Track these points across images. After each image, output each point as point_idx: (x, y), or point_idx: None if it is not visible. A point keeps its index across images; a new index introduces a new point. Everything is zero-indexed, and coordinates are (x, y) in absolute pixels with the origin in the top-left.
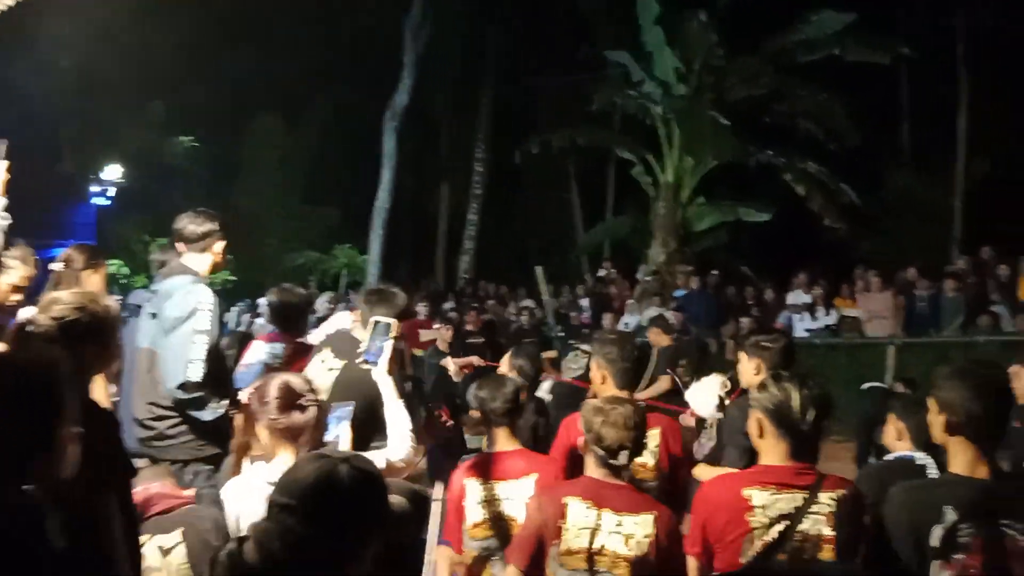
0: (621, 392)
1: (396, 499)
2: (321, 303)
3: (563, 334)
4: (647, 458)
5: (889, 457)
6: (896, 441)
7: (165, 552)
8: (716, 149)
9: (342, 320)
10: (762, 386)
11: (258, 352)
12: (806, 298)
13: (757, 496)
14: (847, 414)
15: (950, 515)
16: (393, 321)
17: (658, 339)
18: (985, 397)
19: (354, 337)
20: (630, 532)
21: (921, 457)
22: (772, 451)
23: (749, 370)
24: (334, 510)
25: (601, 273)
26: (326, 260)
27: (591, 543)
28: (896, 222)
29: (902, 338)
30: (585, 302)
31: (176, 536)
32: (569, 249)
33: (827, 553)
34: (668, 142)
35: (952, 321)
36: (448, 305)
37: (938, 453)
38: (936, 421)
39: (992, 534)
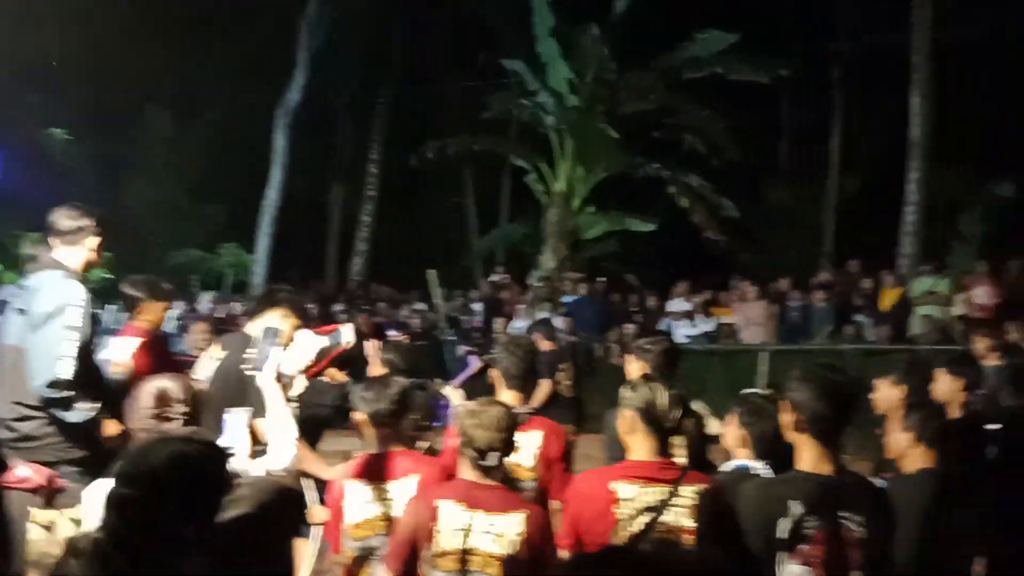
0: (514, 396)
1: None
2: (203, 302)
3: (454, 337)
4: (526, 459)
5: (727, 467)
6: (737, 448)
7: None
8: (606, 160)
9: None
10: (632, 386)
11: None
12: (686, 306)
13: (624, 489)
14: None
15: (796, 509)
16: (285, 327)
17: (539, 344)
18: (829, 398)
19: (246, 334)
20: (501, 531)
21: (758, 467)
22: (640, 447)
23: (634, 371)
24: (186, 484)
25: (494, 278)
26: (211, 259)
27: (464, 544)
28: (773, 235)
29: (774, 345)
30: (478, 306)
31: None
32: (463, 254)
33: (688, 543)
34: (561, 152)
35: (820, 330)
36: (339, 307)
37: (780, 462)
38: (787, 420)
39: (832, 525)
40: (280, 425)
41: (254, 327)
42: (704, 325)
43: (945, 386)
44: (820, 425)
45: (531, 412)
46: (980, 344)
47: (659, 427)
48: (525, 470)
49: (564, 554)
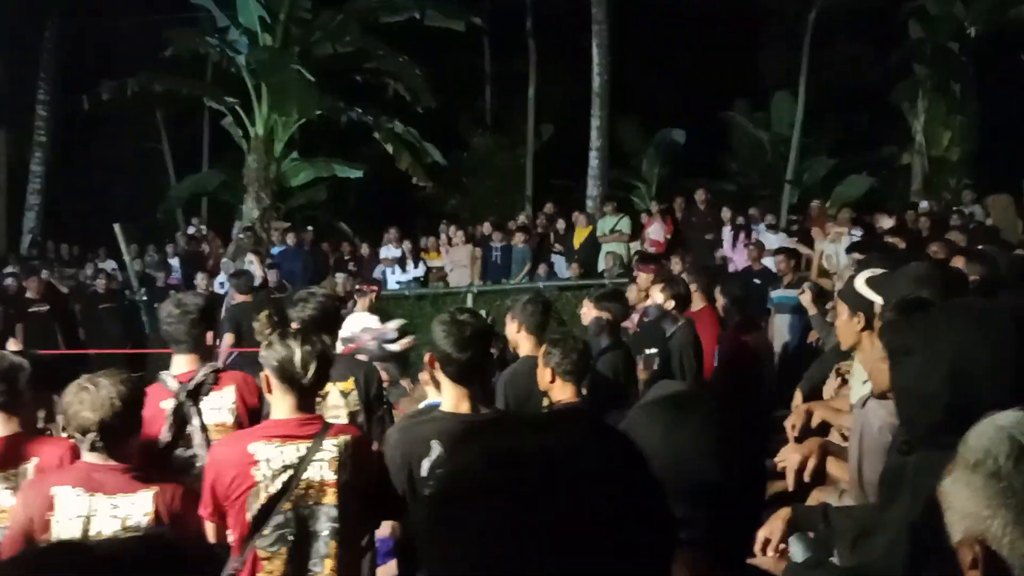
0: (189, 359)
1: None
2: None
3: (147, 298)
4: (225, 417)
5: (421, 406)
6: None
7: None
8: (302, 104)
9: None
10: (269, 344)
11: None
12: (396, 252)
13: (262, 450)
14: None
15: (436, 448)
16: None
17: (233, 297)
18: (458, 341)
19: None
20: (127, 514)
21: None
22: (279, 405)
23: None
24: None
25: (191, 230)
26: None
27: (85, 531)
28: (478, 181)
29: (479, 286)
30: (176, 262)
31: None
32: (158, 205)
33: (330, 497)
34: (256, 94)
35: (520, 269)
36: (9, 270)
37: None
38: (427, 362)
39: None
40: None
41: None
42: (414, 271)
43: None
44: (453, 366)
45: (216, 370)
46: (643, 278)
47: (295, 384)
48: (228, 428)
49: (208, 525)
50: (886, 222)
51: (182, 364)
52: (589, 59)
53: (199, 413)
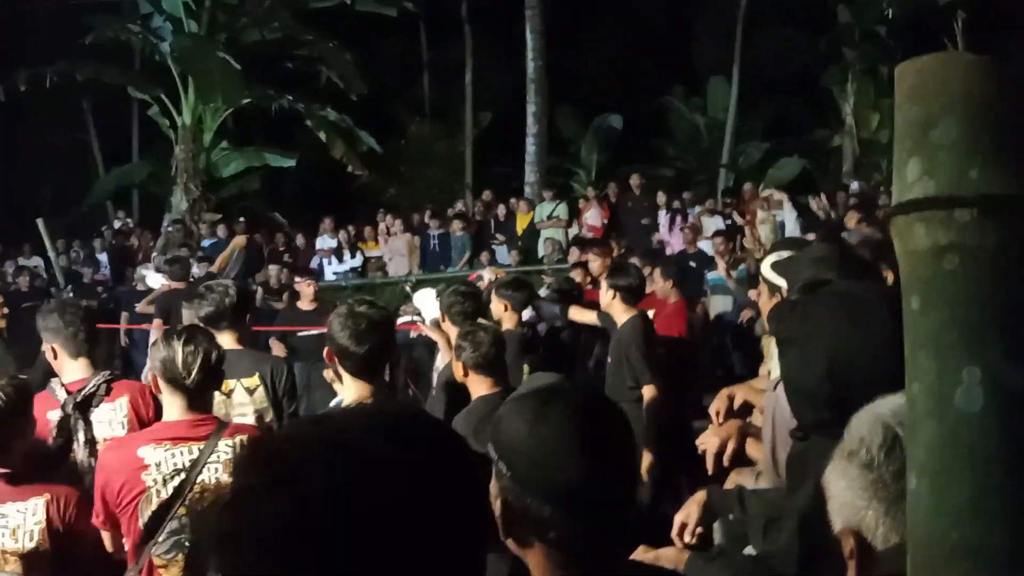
0: (81, 364)
1: None
2: None
3: (73, 295)
4: (117, 430)
5: (331, 404)
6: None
7: None
8: (228, 93)
9: None
10: (155, 343)
11: None
12: (333, 242)
13: (151, 454)
14: None
15: None
16: None
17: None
18: (352, 332)
19: None
20: (17, 523)
21: None
22: (169, 406)
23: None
24: None
25: (118, 224)
26: None
27: None
28: (416, 169)
29: (418, 275)
30: (104, 256)
31: None
32: (85, 198)
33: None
34: (183, 83)
35: (460, 257)
36: None
37: None
38: (326, 354)
39: None
40: None
41: None
42: (352, 261)
43: (495, 308)
44: (351, 360)
45: (108, 379)
46: (594, 264)
47: (180, 385)
48: None
49: (104, 534)
50: (815, 204)
51: (75, 370)
52: (524, 45)
53: (87, 426)
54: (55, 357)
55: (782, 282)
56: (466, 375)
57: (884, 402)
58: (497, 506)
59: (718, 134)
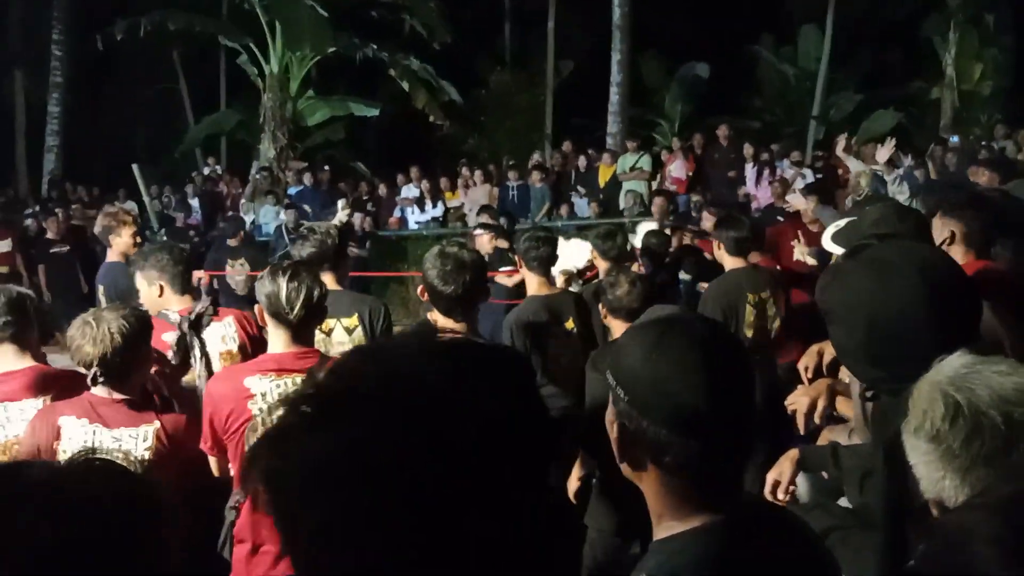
0: (182, 297)
1: None
2: None
3: (166, 239)
4: (230, 345)
5: None
6: None
7: None
8: (316, 41)
9: None
10: (260, 278)
11: None
12: (415, 192)
13: (257, 384)
14: None
15: None
16: None
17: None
18: (445, 275)
19: None
20: (128, 448)
21: None
22: (274, 339)
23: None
24: None
25: (207, 171)
26: None
27: None
28: (496, 120)
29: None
30: (196, 202)
31: None
32: (176, 145)
33: None
34: (271, 32)
35: (539, 209)
36: (28, 211)
37: None
38: (420, 291)
39: None
40: None
41: None
42: (433, 210)
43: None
44: (441, 300)
45: (212, 303)
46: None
47: (283, 319)
48: (234, 356)
49: (211, 459)
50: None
51: (182, 304)
52: None
53: (202, 343)
54: (160, 294)
55: (840, 250)
56: (606, 318)
57: (941, 368)
58: (614, 430)
59: (808, 85)
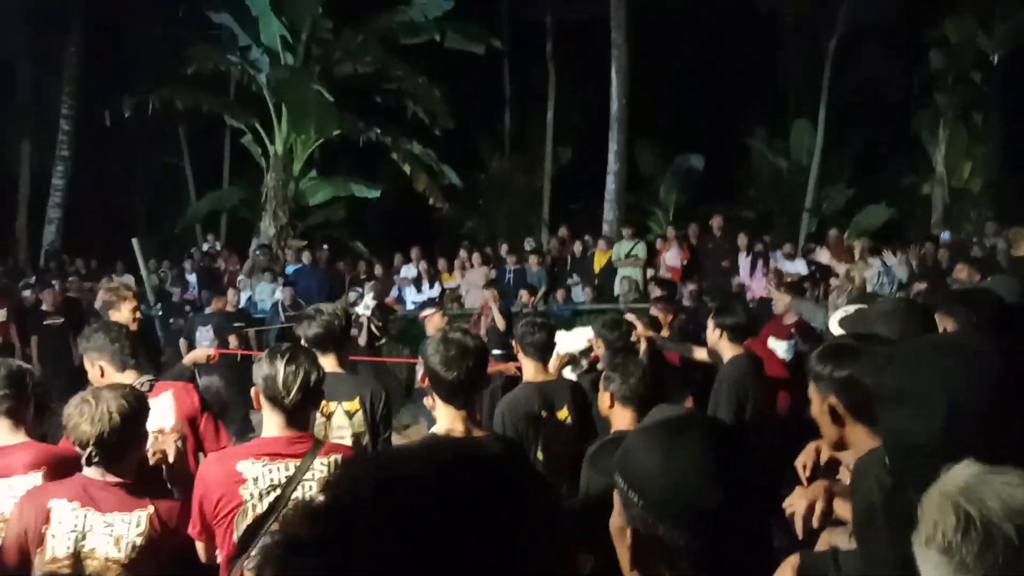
0: (130, 374)
1: None
2: None
3: (162, 313)
4: (163, 422)
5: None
6: None
7: None
8: (321, 124)
9: None
10: (258, 360)
11: None
12: (413, 272)
13: (249, 469)
14: None
15: None
16: None
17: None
18: (449, 360)
19: None
20: (120, 533)
21: None
22: (269, 422)
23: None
24: None
25: (206, 247)
26: None
27: (78, 547)
28: (495, 203)
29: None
30: (193, 277)
31: None
32: (178, 220)
33: None
34: (277, 113)
35: (535, 293)
36: (25, 282)
37: None
38: (420, 378)
39: None
40: None
41: None
42: (430, 291)
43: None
44: (443, 386)
45: (150, 379)
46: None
47: (279, 403)
48: (169, 434)
49: (199, 545)
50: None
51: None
52: (608, 82)
53: None
54: (102, 374)
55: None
56: (611, 406)
57: (950, 478)
58: (626, 536)
59: (801, 178)
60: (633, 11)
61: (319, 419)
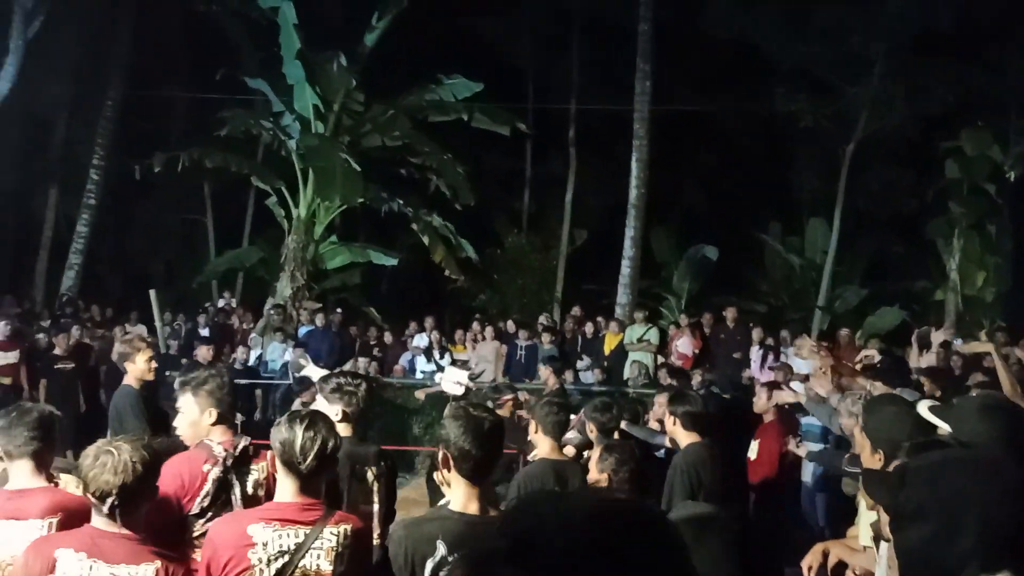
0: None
1: None
2: None
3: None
4: (259, 490)
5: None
6: None
7: None
8: (346, 191)
9: None
10: (277, 424)
11: None
12: (424, 341)
13: (260, 533)
14: None
15: (441, 549)
16: None
17: None
18: (474, 437)
19: None
20: None
21: None
22: (283, 487)
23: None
24: None
25: (220, 303)
26: None
27: None
28: (509, 278)
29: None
30: (206, 332)
31: None
32: (196, 275)
33: None
34: (303, 178)
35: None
36: (39, 325)
37: None
38: (440, 458)
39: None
40: None
41: None
42: (440, 361)
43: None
44: (470, 463)
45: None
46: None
47: (295, 468)
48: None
49: None
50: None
51: (219, 435)
52: (627, 171)
53: (241, 483)
54: (214, 422)
55: (944, 424)
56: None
57: None
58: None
59: (813, 276)
60: (655, 106)
61: None
